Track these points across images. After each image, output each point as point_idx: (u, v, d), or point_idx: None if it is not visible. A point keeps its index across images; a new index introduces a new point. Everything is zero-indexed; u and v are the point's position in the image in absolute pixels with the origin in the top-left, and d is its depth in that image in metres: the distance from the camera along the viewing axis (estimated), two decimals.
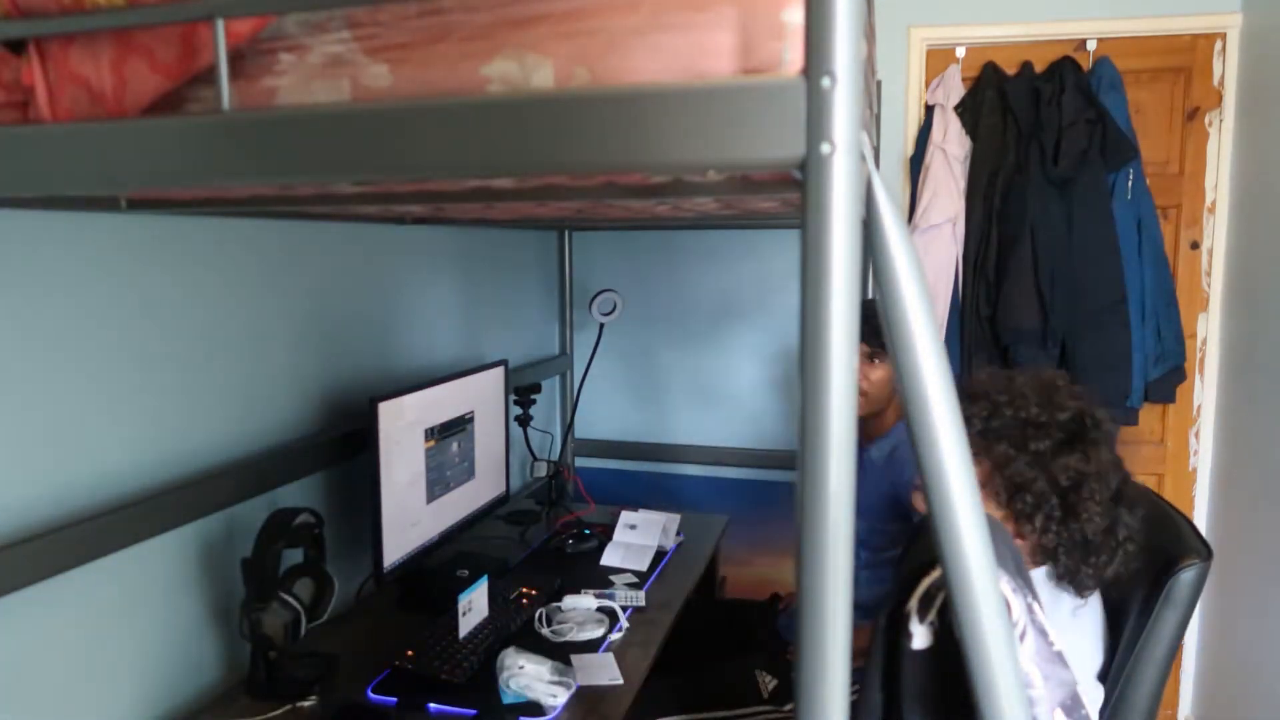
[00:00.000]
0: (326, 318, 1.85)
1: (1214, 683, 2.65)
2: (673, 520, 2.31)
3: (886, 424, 2.06)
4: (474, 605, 1.69)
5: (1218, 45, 2.57)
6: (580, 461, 3.10)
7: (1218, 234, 2.62)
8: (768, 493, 2.96)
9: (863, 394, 1.99)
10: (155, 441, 1.43)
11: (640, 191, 1.03)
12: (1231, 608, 2.52)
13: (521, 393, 2.50)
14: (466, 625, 1.66)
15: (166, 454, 1.45)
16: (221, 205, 1.33)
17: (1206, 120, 2.60)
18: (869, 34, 1.02)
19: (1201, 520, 2.73)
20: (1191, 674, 2.78)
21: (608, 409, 3.10)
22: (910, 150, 2.74)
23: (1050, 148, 2.51)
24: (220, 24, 0.62)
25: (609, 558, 2.13)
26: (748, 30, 0.54)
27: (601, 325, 2.79)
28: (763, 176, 0.89)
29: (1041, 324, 2.53)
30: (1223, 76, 2.57)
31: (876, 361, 1.99)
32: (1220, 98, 2.58)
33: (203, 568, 1.53)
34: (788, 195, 1.01)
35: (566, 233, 3.00)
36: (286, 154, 0.62)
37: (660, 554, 2.16)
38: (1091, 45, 2.61)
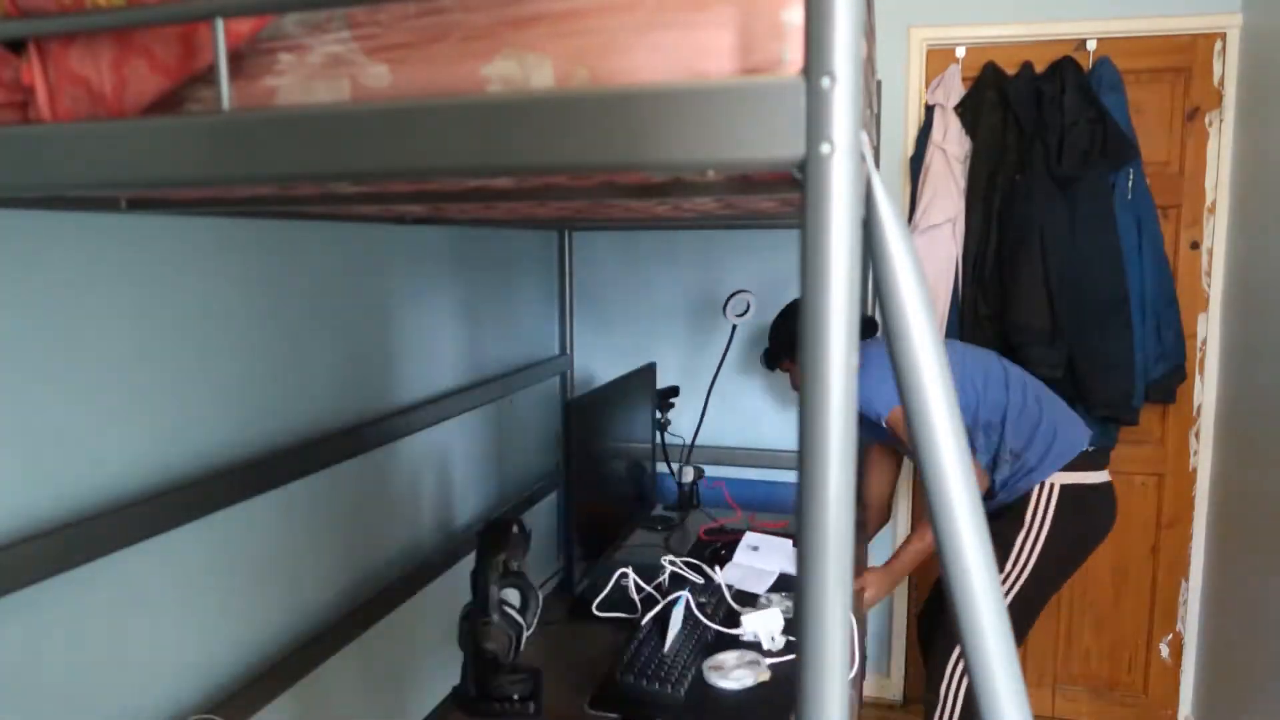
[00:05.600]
0: (326, 317, 1.85)
1: (1214, 683, 2.65)
2: None
3: None
4: (676, 617, 1.68)
5: (1218, 45, 2.57)
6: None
7: (1218, 234, 2.63)
8: (767, 493, 2.96)
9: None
10: (154, 441, 1.43)
11: (640, 191, 1.03)
12: (1231, 607, 2.52)
13: (660, 396, 2.39)
14: (670, 637, 1.64)
15: (166, 454, 1.45)
16: (221, 205, 1.33)
17: (1206, 120, 2.60)
18: (869, 34, 1.02)
19: (1201, 520, 2.74)
20: (1191, 674, 2.78)
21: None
22: (910, 150, 2.74)
23: (1054, 147, 2.51)
24: (220, 24, 0.62)
25: (728, 576, 2.00)
26: (748, 30, 0.54)
27: (734, 326, 2.70)
28: (763, 176, 0.89)
29: (1051, 323, 2.53)
30: (1223, 76, 2.57)
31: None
32: (1220, 98, 2.58)
33: (203, 568, 1.52)
34: (788, 195, 1.01)
35: (566, 233, 3.00)
36: (286, 154, 0.61)
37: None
38: (1091, 45, 2.61)
